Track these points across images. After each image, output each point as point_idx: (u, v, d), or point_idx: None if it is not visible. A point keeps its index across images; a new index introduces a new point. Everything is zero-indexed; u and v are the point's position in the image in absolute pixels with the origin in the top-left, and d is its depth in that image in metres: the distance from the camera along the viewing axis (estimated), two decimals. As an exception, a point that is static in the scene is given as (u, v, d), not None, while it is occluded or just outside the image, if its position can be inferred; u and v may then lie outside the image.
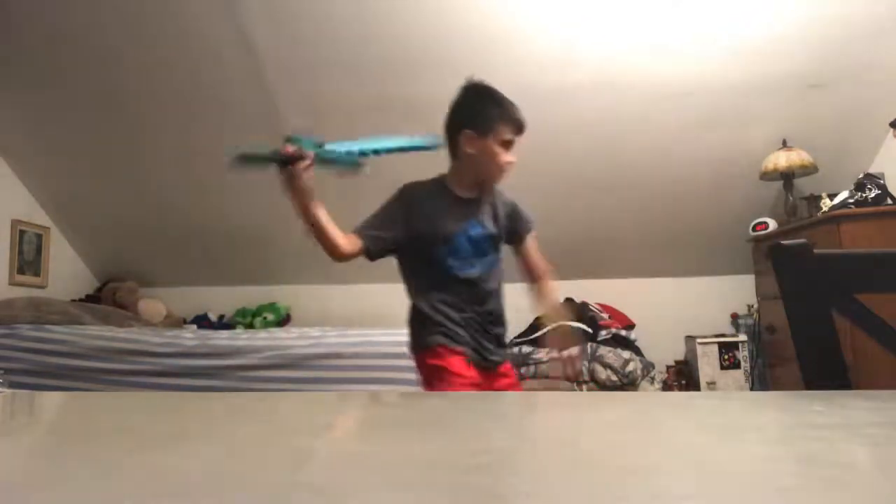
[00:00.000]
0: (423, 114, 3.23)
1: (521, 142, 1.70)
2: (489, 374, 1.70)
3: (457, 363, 1.63)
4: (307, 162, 1.51)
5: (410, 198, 1.71)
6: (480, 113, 1.69)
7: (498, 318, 1.76)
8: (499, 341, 1.76)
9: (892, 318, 0.88)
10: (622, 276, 3.93)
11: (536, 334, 3.48)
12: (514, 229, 1.80)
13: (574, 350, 1.80)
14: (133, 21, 2.95)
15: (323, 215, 1.58)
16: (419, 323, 1.70)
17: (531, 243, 1.85)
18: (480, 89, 1.73)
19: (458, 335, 1.66)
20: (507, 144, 1.68)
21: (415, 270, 1.74)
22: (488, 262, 1.72)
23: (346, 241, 1.62)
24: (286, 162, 1.50)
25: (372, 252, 1.67)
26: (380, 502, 0.30)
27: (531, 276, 1.87)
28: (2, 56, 3.16)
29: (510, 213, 1.79)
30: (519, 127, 1.69)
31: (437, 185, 1.74)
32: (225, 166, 1.52)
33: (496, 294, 1.75)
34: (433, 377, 1.64)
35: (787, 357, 3.00)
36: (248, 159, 1.57)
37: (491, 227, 1.73)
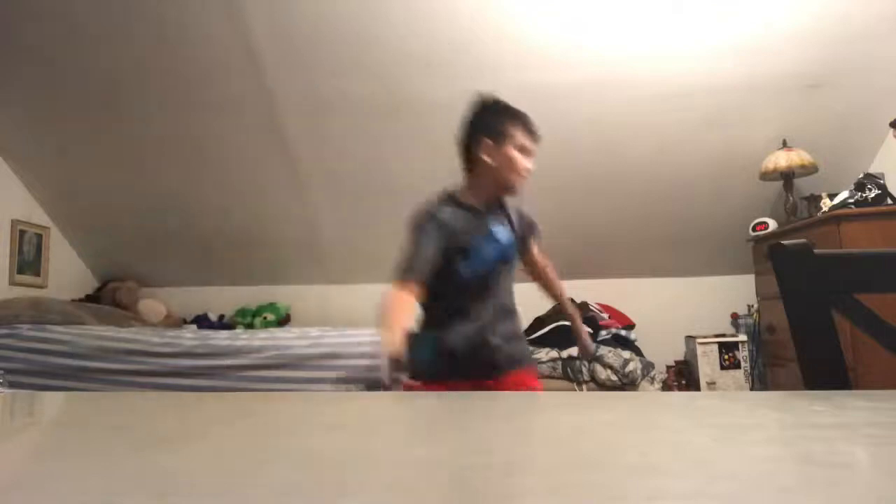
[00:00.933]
0: (423, 114, 3.26)
1: (537, 151, 1.74)
2: (487, 383, 1.68)
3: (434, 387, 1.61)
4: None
5: (439, 219, 1.71)
6: (495, 122, 1.73)
7: (509, 330, 1.77)
8: (505, 351, 1.74)
9: (892, 318, 0.88)
10: (622, 276, 3.93)
11: (536, 334, 3.48)
12: (525, 236, 1.86)
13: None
14: (133, 21, 2.95)
15: (403, 327, 1.61)
16: (423, 340, 1.68)
17: (538, 252, 1.93)
18: (492, 101, 1.78)
19: (454, 363, 1.65)
20: (525, 151, 1.71)
21: (433, 286, 1.70)
22: (505, 270, 1.76)
23: (411, 297, 1.65)
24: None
25: (422, 282, 1.69)
26: (380, 502, 0.30)
27: (539, 276, 1.97)
28: (2, 56, 3.16)
29: (523, 221, 1.83)
30: (534, 133, 1.73)
31: (452, 202, 1.75)
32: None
33: (509, 303, 1.79)
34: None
35: (787, 357, 3.00)
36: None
37: (508, 235, 1.76)
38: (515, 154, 1.70)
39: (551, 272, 1.99)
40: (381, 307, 1.62)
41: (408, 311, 1.64)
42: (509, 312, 1.80)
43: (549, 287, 2.01)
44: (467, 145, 1.75)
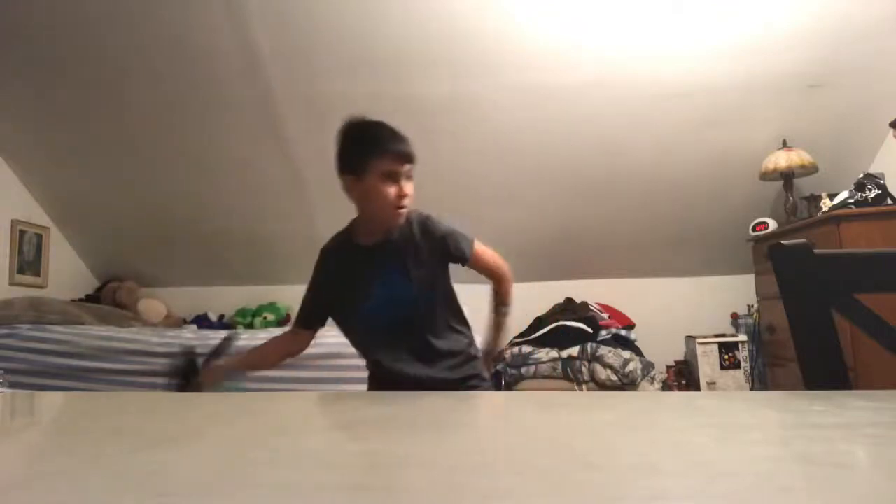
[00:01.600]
0: (423, 114, 3.26)
1: (410, 170, 1.56)
2: None
3: None
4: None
5: (325, 265, 1.69)
6: (352, 153, 1.57)
7: (435, 358, 1.63)
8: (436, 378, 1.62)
9: (893, 318, 0.88)
10: (622, 276, 3.93)
11: (536, 334, 3.49)
12: (448, 259, 1.65)
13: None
14: (133, 21, 2.95)
15: (249, 362, 1.78)
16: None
17: (480, 258, 1.69)
18: (350, 127, 1.60)
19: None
20: (395, 176, 1.52)
21: (344, 331, 1.72)
22: (406, 305, 1.60)
23: (290, 346, 1.75)
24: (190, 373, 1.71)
25: (310, 326, 1.73)
26: (380, 502, 0.30)
27: (491, 279, 1.77)
28: (2, 57, 3.16)
29: (436, 247, 1.61)
30: (398, 155, 1.53)
31: (344, 241, 1.67)
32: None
33: (426, 328, 1.63)
34: None
35: (787, 357, 3.00)
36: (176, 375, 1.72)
37: (405, 270, 1.59)
38: (380, 185, 1.51)
39: (502, 285, 1.75)
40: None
41: (269, 352, 1.78)
42: (442, 353, 1.63)
43: (495, 292, 1.78)
44: (341, 178, 1.60)
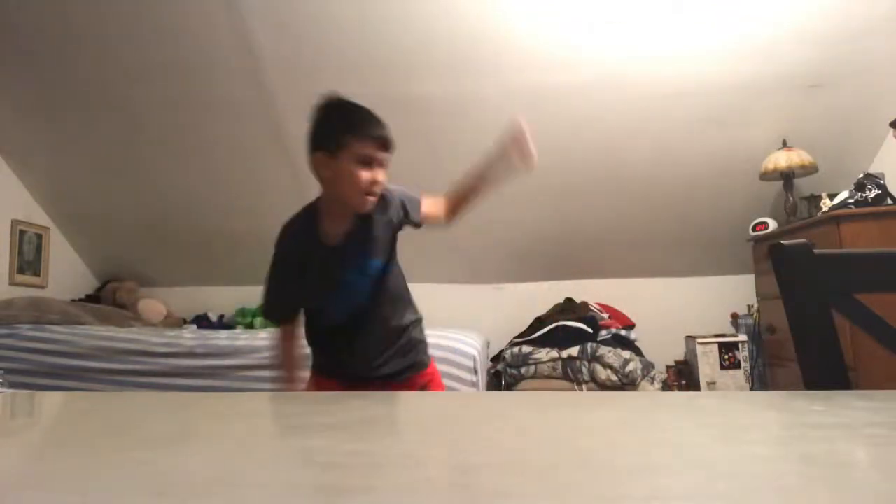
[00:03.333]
0: (423, 114, 3.26)
1: (386, 160, 1.50)
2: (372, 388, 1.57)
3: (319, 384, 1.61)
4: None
5: (283, 256, 1.56)
6: (329, 130, 1.49)
7: (385, 341, 1.61)
8: (385, 361, 1.61)
9: (893, 318, 0.88)
10: (622, 276, 3.93)
11: (536, 334, 3.48)
12: (403, 224, 1.62)
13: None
14: (133, 21, 2.95)
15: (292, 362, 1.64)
16: (310, 345, 1.67)
17: (427, 209, 1.65)
18: (330, 104, 1.52)
19: (331, 364, 1.62)
20: (369, 161, 1.45)
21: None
22: (370, 292, 1.57)
23: (289, 332, 1.63)
24: None
25: (284, 318, 1.63)
26: (380, 502, 0.30)
27: (445, 213, 1.70)
28: (2, 57, 3.16)
29: (400, 217, 1.59)
30: (378, 141, 1.47)
31: (306, 227, 1.55)
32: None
33: (385, 313, 1.60)
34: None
35: (787, 357, 3.00)
36: None
37: (370, 255, 1.55)
38: (353, 167, 1.44)
39: (445, 200, 1.70)
40: (272, 349, 1.67)
41: (292, 347, 1.63)
42: (394, 335, 1.61)
43: (457, 200, 1.69)
44: (309, 160, 1.51)
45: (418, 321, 1.69)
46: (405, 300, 1.67)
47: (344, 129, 1.46)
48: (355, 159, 1.45)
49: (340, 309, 1.58)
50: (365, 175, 1.45)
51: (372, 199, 1.49)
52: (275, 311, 1.64)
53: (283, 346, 1.64)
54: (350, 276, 1.55)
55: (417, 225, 1.64)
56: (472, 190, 1.67)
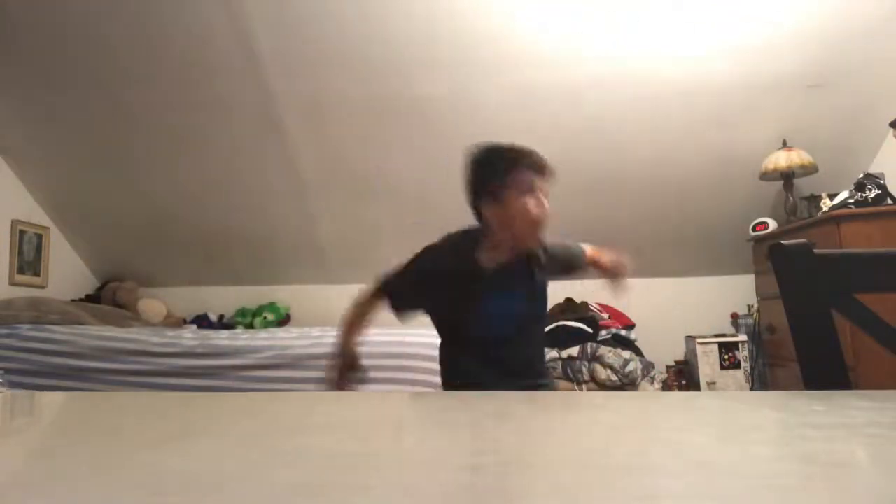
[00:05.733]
0: (423, 114, 3.26)
1: (546, 186, 1.56)
2: None
3: None
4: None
5: (437, 265, 1.58)
6: (487, 176, 1.53)
7: (525, 370, 1.65)
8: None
9: (893, 318, 0.88)
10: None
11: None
12: (567, 269, 1.73)
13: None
14: (133, 21, 2.95)
15: (353, 331, 1.67)
16: (443, 364, 1.69)
17: (592, 254, 1.77)
18: (482, 152, 1.57)
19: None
20: (532, 191, 1.50)
21: (440, 330, 1.67)
22: (521, 324, 1.61)
23: (368, 308, 1.65)
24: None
25: (397, 307, 1.64)
26: (380, 502, 0.30)
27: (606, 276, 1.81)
28: (2, 57, 3.16)
29: (557, 261, 1.67)
30: (537, 167, 1.52)
31: (465, 252, 1.58)
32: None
33: (527, 348, 1.66)
34: None
35: (787, 357, 3.00)
36: None
37: (525, 288, 1.60)
38: (521, 202, 1.48)
39: (608, 259, 1.81)
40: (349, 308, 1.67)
41: (363, 315, 1.66)
42: (527, 368, 1.64)
43: (604, 272, 1.82)
44: (475, 207, 1.56)
45: (549, 383, 1.75)
46: (541, 356, 1.75)
47: (503, 169, 1.50)
48: (518, 191, 1.49)
49: (484, 328, 1.57)
50: (531, 202, 1.49)
51: (540, 229, 1.53)
52: (400, 296, 1.63)
53: (350, 327, 1.65)
54: (493, 301, 1.56)
55: (581, 264, 1.77)
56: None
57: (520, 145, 1.55)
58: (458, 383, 1.62)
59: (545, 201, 1.52)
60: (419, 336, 2.96)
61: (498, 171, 1.51)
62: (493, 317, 1.56)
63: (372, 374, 2.91)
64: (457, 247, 1.60)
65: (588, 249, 1.77)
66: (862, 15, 2.75)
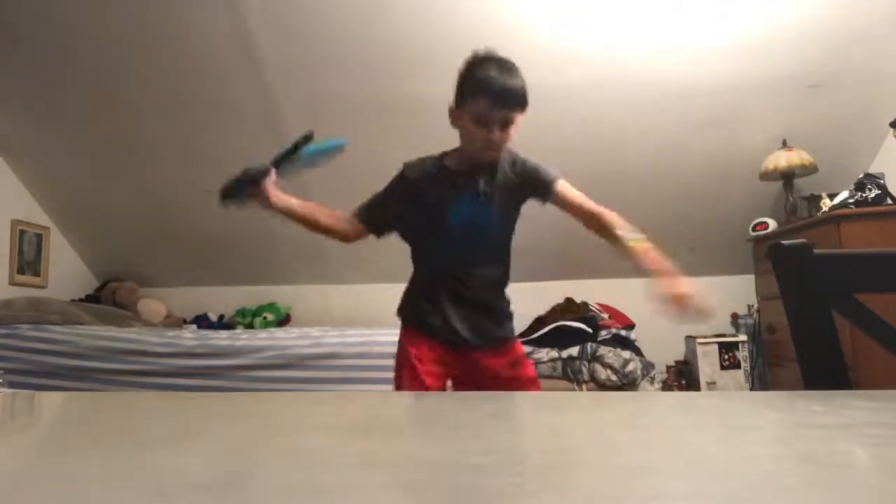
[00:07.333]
0: (423, 113, 3.25)
1: (510, 117, 1.52)
2: (465, 356, 1.63)
3: (416, 352, 1.62)
4: (270, 176, 1.72)
5: (408, 174, 1.69)
6: (461, 85, 1.57)
7: (483, 302, 1.66)
8: (480, 323, 1.65)
9: (893, 318, 0.88)
10: (622, 276, 3.92)
11: (536, 334, 3.48)
12: (532, 191, 1.65)
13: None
14: (132, 21, 2.95)
15: (303, 211, 1.75)
16: (408, 292, 1.72)
17: (566, 193, 1.69)
18: (471, 60, 1.57)
19: (430, 317, 1.64)
20: (484, 121, 1.50)
21: (412, 243, 1.73)
22: (479, 251, 1.65)
23: (343, 224, 1.72)
24: (255, 181, 1.72)
25: (372, 227, 1.71)
26: (380, 502, 0.30)
27: (584, 221, 1.76)
28: (2, 57, 3.16)
29: (522, 179, 1.64)
30: (497, 101, 1.49)
31: (435, 161, 1.69)
32: (219, 205, 1.71)
33: (487, 276, 1.66)
34: (399, 355, 1.67)
35: (787, 357, 3.00)
36: (227, 193, 1.73)
37: (488, 195, 1.61)
38: (471, 124, 1.52)
39: (603, 216, 1.76)
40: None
41: (318, 211, 1.78)
42: (486, 310, 1.66)
43: (605, 233, 1.77)
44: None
45: (508, 301, 1.75)
46: (503, 276, 1.72)
47: (469, 87, 1.53)
48: (471, 118, 1.52)
49: (443, 248, 1.63)
50: (481, 134, 1.52)
51: (494, 154, 1.56)
52: (371, 211, 1.71)
53: (324, 208, 1.76)
54: (461, 202, 1.60)
55: (547, 192, 1.66)
56: (624, 253, 1.77)
57: (502, 67, 1.53)
58: (415, 323, 1.66)
59: (500, 134, 1.52)
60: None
61: (463, 93, 1.55)
62: (456, 229, 1.61)
63: (370, 374, 2.93)
64: (427, 157, 1.71)
65: (561, 188, 1.67)
66: (862, 15, 2.75)
